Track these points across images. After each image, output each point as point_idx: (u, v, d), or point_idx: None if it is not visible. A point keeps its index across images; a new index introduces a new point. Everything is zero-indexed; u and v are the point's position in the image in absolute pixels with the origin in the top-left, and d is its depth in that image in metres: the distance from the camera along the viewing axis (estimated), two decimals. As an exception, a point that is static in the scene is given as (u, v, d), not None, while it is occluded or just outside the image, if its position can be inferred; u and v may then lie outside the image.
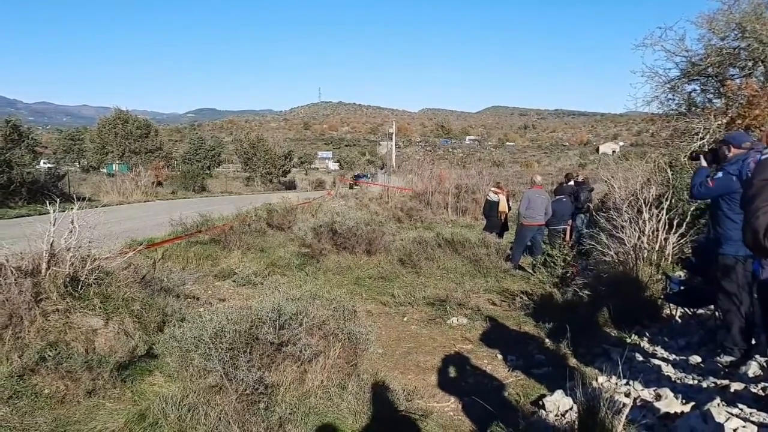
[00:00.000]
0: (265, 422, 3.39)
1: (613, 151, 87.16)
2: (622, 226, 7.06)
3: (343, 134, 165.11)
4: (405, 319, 6.57)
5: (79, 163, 48.33)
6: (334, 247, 9.38)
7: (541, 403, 3.88)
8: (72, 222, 4.83)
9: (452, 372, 4.87)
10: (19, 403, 3.56)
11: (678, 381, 4.11)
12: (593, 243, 8.23)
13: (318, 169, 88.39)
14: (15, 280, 4.19)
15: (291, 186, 46.24)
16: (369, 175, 42.82)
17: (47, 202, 5.15)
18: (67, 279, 4.51)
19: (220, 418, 3.29)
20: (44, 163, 27.70)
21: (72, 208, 4.94)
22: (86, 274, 4.67)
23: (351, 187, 34.70)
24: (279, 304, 4.30)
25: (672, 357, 4.76)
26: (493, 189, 12.25)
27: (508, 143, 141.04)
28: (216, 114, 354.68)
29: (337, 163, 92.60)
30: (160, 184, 28.97)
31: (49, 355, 3.84)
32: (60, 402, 3.66)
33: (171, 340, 4.12)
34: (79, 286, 4.55)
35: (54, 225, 4.66)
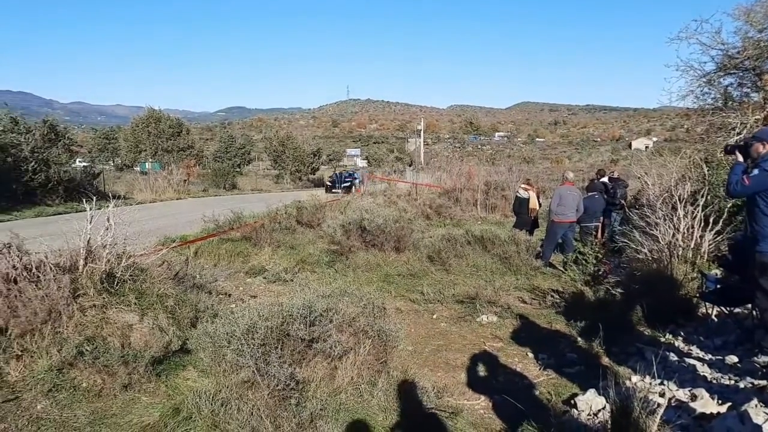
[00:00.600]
0: (297, 418, 3.43)
1: (646, 147, 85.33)
2: (656, 223, 6.93)
3: (371, 131, 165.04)
4: (434, 316, 6.55)
5: (113, 162, 49.27)
6: (363, 245, 9.40)
7: (573, 402, 3.84)
8: (108, 219, 4.94)
9: (482, 370, 4.84)
10: (59, 396, 3.68)
11: (714, 381, 4.03)
12: (626, 240, 8.09)
13: (346, 166, 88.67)
14: (54, 276, 4.30)
15: (320, 183, 46.44)
16: (357, 174, 36.11)
17: (83, 199, 5.27)
18: (104, 275, 4.63)
19: (252, 413, 3.33)
20: (80, 161, 28.30)
21: (107, 206, 5.06)
22: (122, 271, 4.78)
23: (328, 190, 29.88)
24: (309, 300, 4.34)
25: (708, 357, 4.66)
26: (523, 186, 12.12)
27: (537, 139, 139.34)
28: (246, 112, 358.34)
29: (366, 160, 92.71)
30: (190, 182, 29.41)
31: (87, 350, 3.95)
32: (97, 395, 3.77)
33: (204, 335, 4.19)
34: (115, 283, 4.66)
35: (90, 222, 4.78)
